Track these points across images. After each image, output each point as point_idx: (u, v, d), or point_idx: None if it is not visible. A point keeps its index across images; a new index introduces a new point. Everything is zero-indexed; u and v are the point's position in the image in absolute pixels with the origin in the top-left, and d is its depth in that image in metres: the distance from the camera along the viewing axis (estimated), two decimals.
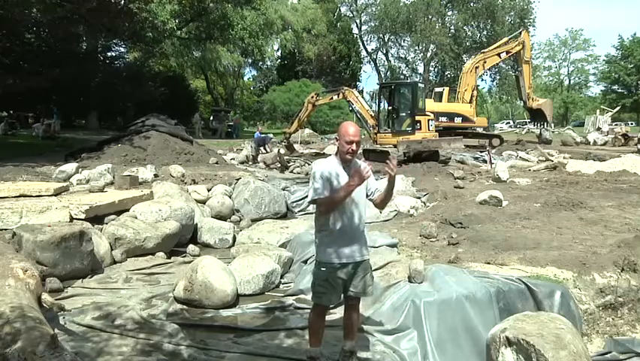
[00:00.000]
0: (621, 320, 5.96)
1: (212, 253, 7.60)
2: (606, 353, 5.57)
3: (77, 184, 11.18)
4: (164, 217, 8.27)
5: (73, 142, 23.85)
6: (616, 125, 39.35)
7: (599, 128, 36.78)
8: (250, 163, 20.04)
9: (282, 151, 21.72)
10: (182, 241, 8.47)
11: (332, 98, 23.89)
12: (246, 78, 71.06)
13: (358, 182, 4.03)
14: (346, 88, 23.61)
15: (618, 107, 52.86)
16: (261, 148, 22.40)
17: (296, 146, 25.71)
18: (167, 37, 34.09)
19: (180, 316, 5.63)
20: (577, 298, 5.80)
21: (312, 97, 23.75)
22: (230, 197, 10.82)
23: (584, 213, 9.19)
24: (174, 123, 19.53)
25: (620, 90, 73.74)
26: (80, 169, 12.57)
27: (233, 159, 20.75)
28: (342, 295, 4.46)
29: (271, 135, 23.96)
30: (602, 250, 6.75)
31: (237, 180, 11.87)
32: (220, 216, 9.87)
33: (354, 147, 4.13)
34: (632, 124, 56.18)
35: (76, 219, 7.77)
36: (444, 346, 5.05)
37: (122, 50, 39.42)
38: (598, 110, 48.00)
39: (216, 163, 17.04)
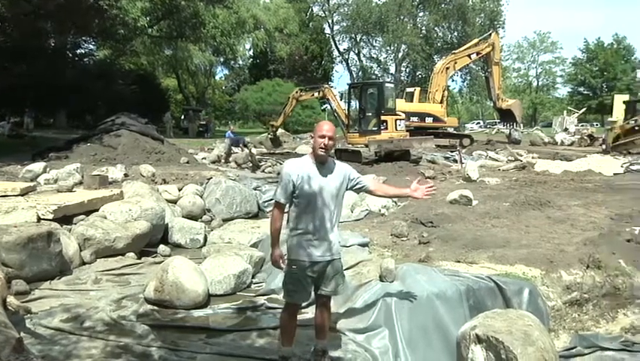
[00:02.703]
0: (586, 316, 6.10)
1: (183, 253, 7.53)
2: (572, 348, 5.70)
3: (45, 184, 11.00)
4: (134, 217, 8.18)
5: (41, 141, 23.39)
6: (582, 126, 40.10)
7: (566, 129, 37.44)
8: (222, 162, 19.93)
9: (254, 151, 21.64)
10: (153, 241, 8.39)
11: (313, 95, 24.18)
12: (217, 77, 70.71)
13: (277, 265, 4.40)
14: (326, 86, 24.10)
15: (584, 109, 53.91)
16: (235, 149, 22.28)
17: (268, 145, 25.64)
18: (137, 35, 33.63)
19: (151, 317, 5.56)
20: (544, 295, 5.90)
21: (296, 92, 24.11)
22: (201, 197, 10.76)
23: (552, 212, 9.36)
24: (145, 122, 19.29)
25: (585, 92, 75.38)
26: (48, 169, 12.35)
27: (205, 158, 20.61)
28: (314, 294, 4.51)
29: (247, 139, 23.91)
30: (569, 248, 6.88)
31: (209, 179, 11.81)
32: (191, 216, 9.80)
33: (326, 141, 4.15)
34: (597, 125, 57.39)
35: (43, 219, 7.64)
36: (415, 344, 5.09)
37: (92, 47, 38.70)
38: (565, 111, 48.92)
39: (187, 163, 16.90)
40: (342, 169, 4.42)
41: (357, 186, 4.51)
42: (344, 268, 5.55)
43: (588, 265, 6.35)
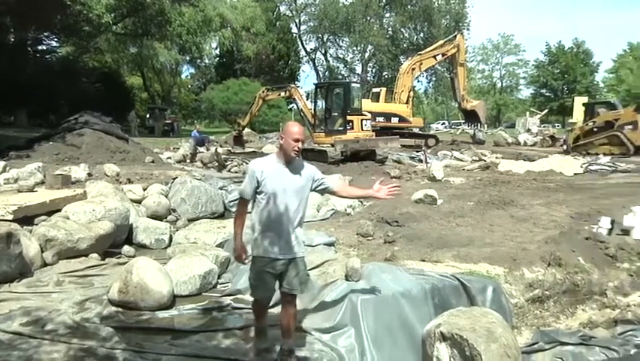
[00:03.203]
0: (547, 312, 6.24)
1: (148, 254, 7.43)
2: (534, 344, 5.81)
3: (5, 184, 10.73)
4: (98, 217, 8.04)
5: (1, 139, 22.78)
6: (544, 127, 40.87)
7: (528, 130, 38.09)
8: (187, 162, 19.75)
9: (220, 150, 21.50)
10: (117, 241, 8.26)
11: (280, 94, 24.14)
12: (183, 76, 69.92)
13: (240, 259, 4.55)
14: (293, 86, 24.11)
15: (546, 110, 54.97)
16: (200, 148, 22.12)
17: (230, 143, 25.53)
18: (102, 32, 33.06)
19: (115, 319, 5.46)
20: (508, 292, 6.02)
21: (263, 92, 24.04)
22: (166, 196, 10.63)
23: (515, 211, 9.53)
24: (109, 121, 18.94)
25: (547, 94, 76.93)
26: (8, 168, 12.04)
27: (170, 158, 20.38)
28: (279, 293, 4.59)
29: (212, 137, 23.74)
30: (531, 246, 7.02)
31: (174, 179, 11.67)
32: (156, 216, 9.68)
33: (299, 144, 4.30)
34: (558, 126, 58.59)
35: (2, 220, 7.43)
36: (381, 342, 5.13)
37: (55, 43, 37.92)
38: (528, 113, 49.78)
39: (152, 162, 16.68)
40: (307, 170, 4.49)
41: (321, 187, 4.60)
42: (310, 267, 5.58)
43: (549, 262, 6.50)
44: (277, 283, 4.52)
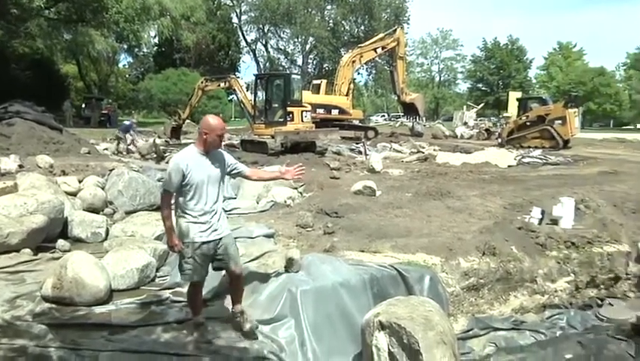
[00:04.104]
0: (482, 300, 6.44)
1: (84, 248, 7.21)
2: (469, 331, 6.02)
3: None
4: (29, 211, 7.74)
5: None
6: (481, 120, 41.84)
7: (465, 123, 38.92)
8: (124, 153, 19.27)
9: (158, 141, 21.07)
10: (51, 235, 7.96)
11: (219, 85, 23.84)
12: (121, 65, 67.93)
13: (177, 249, 4.69)
14: (232, 76, 23.69)
15: (482, 104, 56.27)
16: (127, 135, 21.54)
17: (167, 132, 25.08)
18: (33, 17, 31.68)
19: (49, 316, 5.27)
20: (444, 281, 6.17)
21: (202, 82, 23.68)
22: (103, 189, 10.33)
23: (452, 202, 9.76)
24: (42, 110, 18.21)
25: (484, 88, 78.91)
26: None
27: (107, 149, 19.85)
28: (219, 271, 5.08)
29: (134, 120, 23.15)
30: (467, 236, 7.22)
31: (110, 170, 11.35)
32: (92, 209, 9.41)
33: (224, 139, 4.48)
34: (494, 119, 60.21)
35: None
36: (321, 332, 5.17)
37: None
38: (465, 106, 50.82)
39: (88, 153, 16.19)
40: (222, 156, 4.88)
41: (235, 172, 5.03)
42: (250, 259, 5.60)
43: (484, 252, 6.70)
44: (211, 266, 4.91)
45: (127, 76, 68.75)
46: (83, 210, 9.17)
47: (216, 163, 4.75)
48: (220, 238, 4.78)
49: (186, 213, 4.67)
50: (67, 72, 54.91)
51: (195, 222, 4.65)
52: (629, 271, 7.75)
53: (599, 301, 7.27)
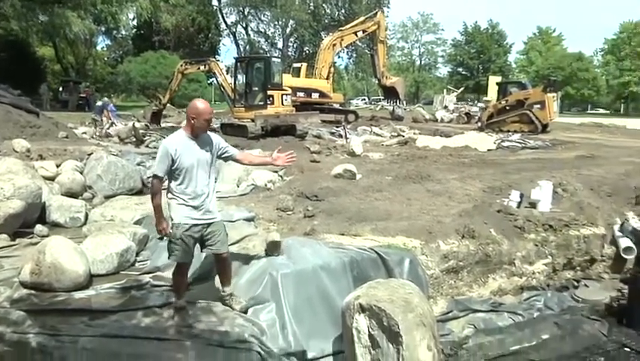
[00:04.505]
0: (461, 282, 6.50)
1: (62, 233, 7.12)
2: (448, 313, 6.08)
3: None
4: (6, 196, 7.61)
5: None
6: (462, 104, 42.04)
7: (445, 107, 39.06)
8: (102, 137, 19.04)
9: (138, 125, 20.83)
10: (29, 221, 7.85)
11: (199, 68, 23.50)
12: (99, 48, 66.77)
13: (164, 233, 4.77)
14: (212, 59, 23.39)
15: (462, 88, 56.53)
16: (103, 116, 21.27)
17: (147, 117, 24.79)
18: None
19: (27, 302, 5.20)
20: (424, 264, 6.21)
21: (182, 65, 23.32)
22: (81, 173, 10.21)
23: (431, 185, 9.81)
24: (17, 94, 17.88)
25: (464, 72, 79.30)
26: None
27: (86, 133, 19.57)
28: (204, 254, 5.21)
29: (106, 100, 22.82)
30: (446, 220, 7.26)
31: (89, 155, 11.20)
32: (71, 194, 9.29)
33: (210, 123, 4.79)
34: (475, 103, 60.54)
35: None
36: (301, 315, 5.19)
37: None
38: (445, 90, 51.04)
39: (66, 137, 15.94)
40: (213, 139, 4.93)
41: (225, 155, 5.05)
42: (230, 243, 5.56)
43: (463, 235, 6.75)
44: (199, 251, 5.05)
45: (105, 59, 67.67)
46: (62, 194, 9.05)
47: (206, 147, 4.80)
48: (210, 222, 4.86)
49: (177, 196, 4.76)
50: (43, 55, 53.88)
51: (186, 205, 4.74)
52: (604, 253, 7.90)
53: (575, 283, 7.41)
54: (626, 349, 5.63)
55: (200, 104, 4.76)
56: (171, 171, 4.67)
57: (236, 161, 5.28)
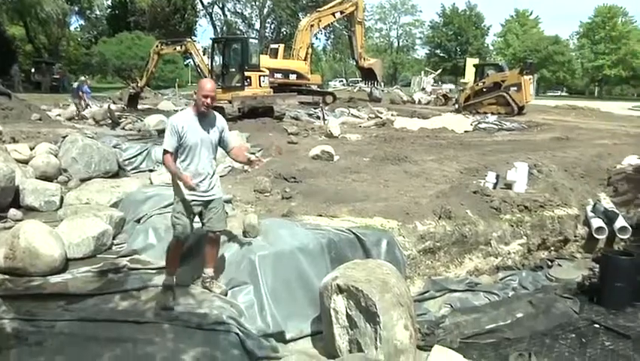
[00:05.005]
0: (438, 262, 6.57)
1: (37, 217, 7.04)
2: (425, 293, 6.15)
3: None
4: None
5: None
6: (441, 85, 42.22)
7: (423, 89, 39.17)
8: (76, 119, 18.74)
9: (113, 107, 20.54)
10: (2, 205, 7.71)
11: (175, 49, 23.28)
12: (72, 28, 65.43)
13: (188, 186, 4.75)
14: (189, 40, 23.14)
15: (440, 70, 56.69)
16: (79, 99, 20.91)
17: (125, 100, 24.47)
18: None
19: (2, 287, 5.15)
20: (401, 245, 6.25)
21: (157, 46, 23.15)
22: (56, 156, 10.07)
23: (409, 166, 9.86)
24: None
25: (441, 54, 79.51)
26: None
27: (60, 115, 19.24)
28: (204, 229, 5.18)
29: (82, 79, 22.40)
30: (423, 200, 7.31)
31: (64, 137, 11.04)
32: (45, 177, 9.17)
33: (209, 100, 4.80)
34: (455, 86, 60.77)
35: None
36: (279, 297, 5.20)
37: None
38: (422, 72, 51.14)
39: (39, 120, 15.66)
40: (221, 122, 5.07)
41: (224, 143, 5.13)
42: None
43: (440, 215, 6.80)
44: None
45: (79, 40, 66.36)
46: (36, 178, 8.94)
47: (211, 128, 4.95)
48: (211, 200, 5.01)
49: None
50: (13, 35, 52.54)
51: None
52: (577, 233, 8.04)
53: (549, 263, 7.53)
54: (595, 325, 5.76)
55: (204, 80, 5.05)
56: (176, 148, 4.81)
57: (227, 152, 5.30)
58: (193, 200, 4.91)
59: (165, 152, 4.85)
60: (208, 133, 4.90)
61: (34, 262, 5.37)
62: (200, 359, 4.13)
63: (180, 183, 4.82)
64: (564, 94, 71.28)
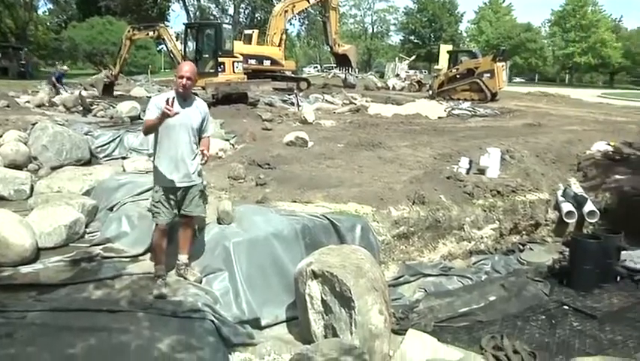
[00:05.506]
0: (412, 247, 6.63)
1: (6, 206, 6.89)
2: (400, 277, 6.21)
3: None
4: None
5: None
6: (415, 72, 42.33)
7: (397, 75, 39.25)
8: (46, 106, 18.37)
9: (85, 93, 20.19)
10: None
11: (148, 34, 22.78)
12: (40, 12, 64.07)
13: (166, 115, 4.50)
14: (162, 25, 22.68)
15: (414, 56, 56.84)
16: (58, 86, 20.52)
17: (99, 89, 24.04)
18: None
19: None
20: (375, 230, 6.29)
21: (129, 31, 22.58)
22: (25, 144, 9.90)
23: (383, 152, 9.90)
24: None
25: (416, 41, 79.69)
26: None
27: (29, 102, 18.84)
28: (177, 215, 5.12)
29: (65, 68, 21.92)
30: (397, 186, 7.35)
31: (33, 125, 10.84)
32: (15, 165, 9.01)
33: (184, 81, 4.73)
34: (425, 72, 61.06)
35: None
36: (254, 283, 5.20)
37: None
38: (397, 58, 51.20)
39: (7, 107, 15.33)
40: (203, 107, 5.04)
41: (202, 130, 5.05)
42: None
43: (414, 201, 6.86)
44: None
45: (48, 24, 64.98)
46: (4, 166, 8.78)
47: (192, 112, 4.89)
48: (190, 186, 5.00)
49: (159, 156, 4.90)
50: None
51: (166, 166, 4.86)
52: (548, 217, 8.19)
53: (521, 247, 7.66)
54: (565, 307, 5.89)
55: (184, 63, 5.13)
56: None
57: (199, 141, 5.07)
58: (173, 187, 4.90)
59: (147, 121, 4.84)
60: (188, 116, 4.83)
61: (4, 252, 5.28)
62: (175, 347, 4.11)
63: (160, 170, 4.86)
64: (523, 80, 71.98)
